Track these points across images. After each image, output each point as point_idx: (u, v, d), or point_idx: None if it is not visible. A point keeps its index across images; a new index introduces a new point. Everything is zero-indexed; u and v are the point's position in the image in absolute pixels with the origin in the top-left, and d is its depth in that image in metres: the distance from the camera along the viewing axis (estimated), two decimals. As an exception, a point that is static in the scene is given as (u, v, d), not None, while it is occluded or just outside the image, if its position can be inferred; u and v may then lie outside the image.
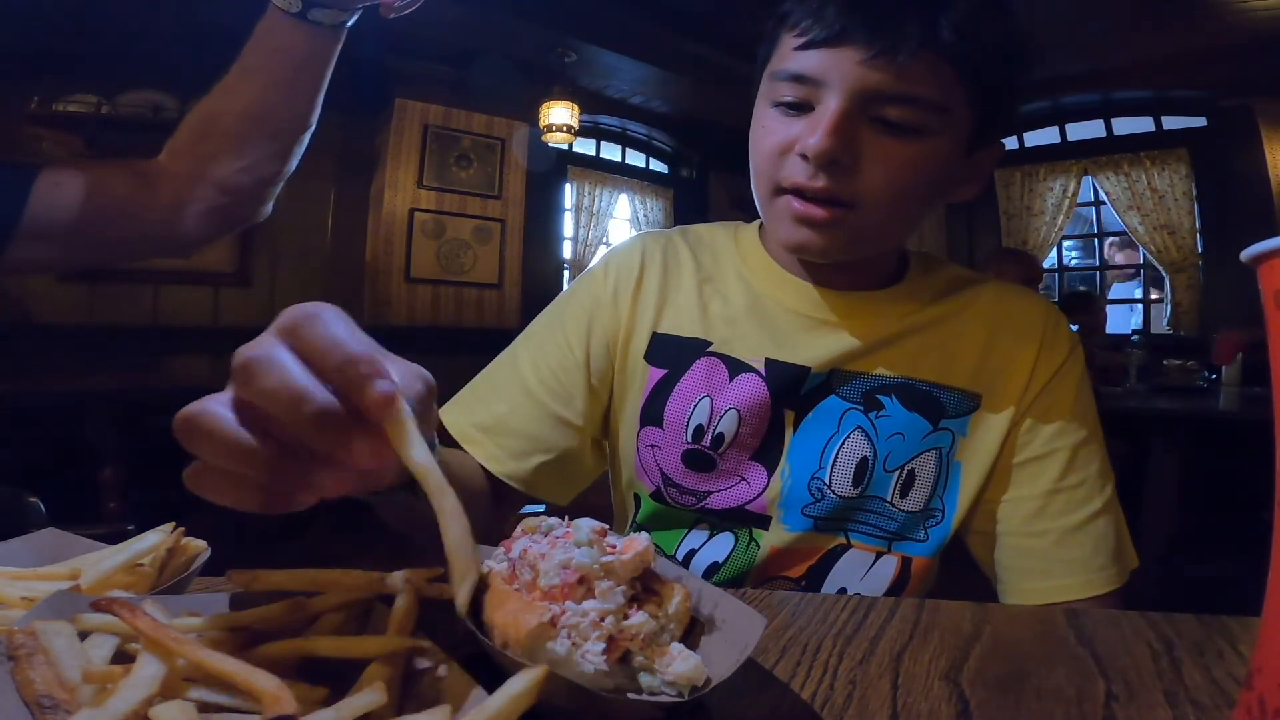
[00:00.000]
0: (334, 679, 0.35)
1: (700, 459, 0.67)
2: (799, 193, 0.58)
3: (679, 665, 0.36)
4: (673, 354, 0.69)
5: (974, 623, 0.51)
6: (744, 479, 0.67)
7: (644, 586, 0.41)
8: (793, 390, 0.66)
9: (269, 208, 0.80)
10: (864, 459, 0.65)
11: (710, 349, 0.68)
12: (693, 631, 0.42)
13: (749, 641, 0.36)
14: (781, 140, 0.58)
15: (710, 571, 0.69)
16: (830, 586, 0.68)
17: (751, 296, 0.69)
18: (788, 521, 0.66)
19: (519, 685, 0.29)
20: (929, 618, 0.52)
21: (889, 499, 0.66)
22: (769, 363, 0.66)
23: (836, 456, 0.66)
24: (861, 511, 0.66)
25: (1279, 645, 0.27)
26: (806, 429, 0.66)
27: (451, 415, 0.70)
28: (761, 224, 0.73)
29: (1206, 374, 3.23)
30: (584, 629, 0.37)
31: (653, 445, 0.69)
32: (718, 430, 0.66)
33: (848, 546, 0.67)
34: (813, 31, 0.55)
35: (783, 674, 0.42)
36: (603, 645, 0.37)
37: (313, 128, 0.78)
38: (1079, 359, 0.68)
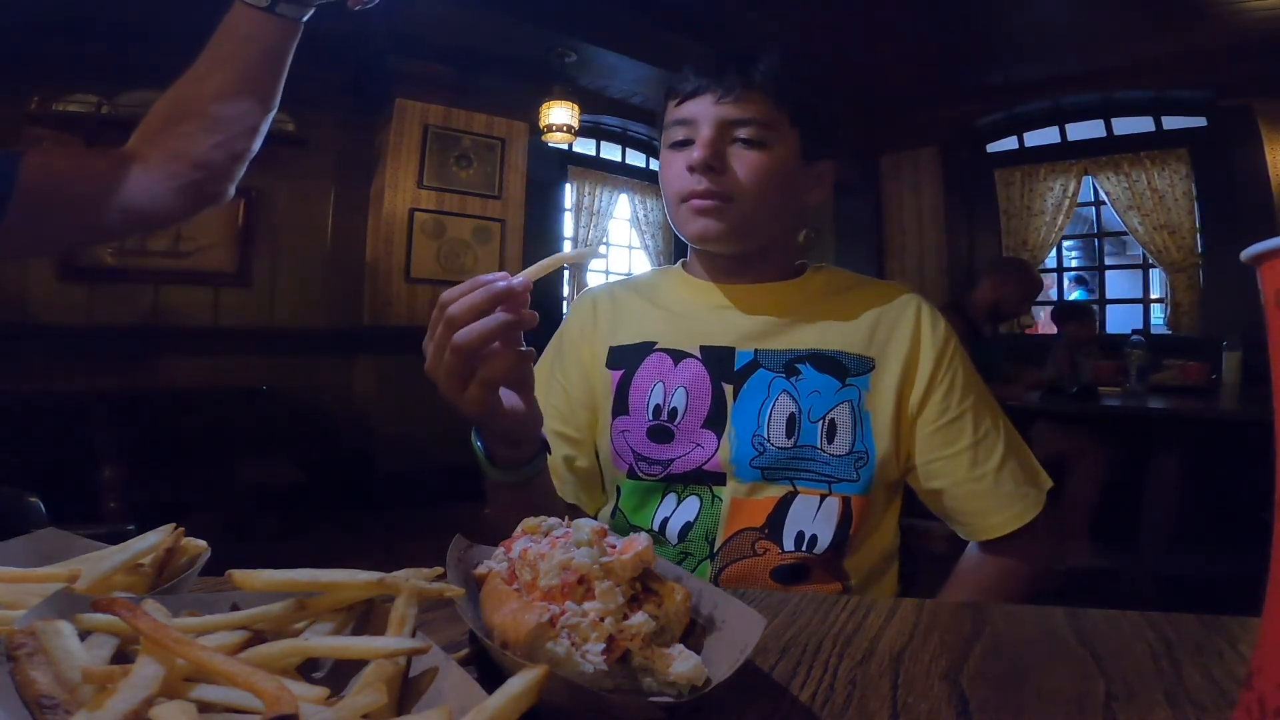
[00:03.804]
0: (334, 679, 0.35)
1: (661, 432, 0.84)
2: (694, 196, 0.81)
3: (679, 665, 0.36)
4: (627, 356, 0.88)
5: (974, 623, 0.51)
6: (699, 444, 0.82)
7: (644, 586, 0.41)
8: (726, 368, 0.84)
9: (234, 187, 0.87)
10: (791, 414, 0.81)
11: (656, 347, 0.87)
12: (693, 632, 0.42)
13: (749, 642, 0.36)
14: (678, 167, 0.83)
15: (684, 531, 0.82)
16: (790, 529, 0.80)
17: (682, 304, 0.90)
18: (740, 475, 0.81)
19: (519, 685, 0.29)
20: (929, 618, 0.52)
21: (819, 445, 0.80)
22: (703, 348, 0.85)
23: (770, 415, 0.81)
24: (800, 460, 0.80)
25: (1279, 645, 0.27)
26: (744, 399, 0.83)
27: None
28: (683, 262, 0.95)
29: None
30: (584, 629, 0.37)
31: (623, 431, 0.85)
32: (672, 405, 0.84)
33: (796, 493, 0.80)
34: (684, 91, 0.83)
35: (783, 674, 0.42)
36: (603, 645, 0.37)
37: (276, 109, 0.86)
38: (955, 338, 0.87)
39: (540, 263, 0.61)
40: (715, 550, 0.80)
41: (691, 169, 0.80)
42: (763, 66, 0.81)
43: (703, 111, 0.81)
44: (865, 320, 0.86)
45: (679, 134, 0.83)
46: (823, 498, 0.80)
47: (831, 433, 0.81)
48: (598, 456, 0.89)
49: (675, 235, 0.90)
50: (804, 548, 0.79)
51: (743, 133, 0.80)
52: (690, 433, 0.83)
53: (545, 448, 0.72)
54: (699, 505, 0.82)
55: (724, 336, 0.85)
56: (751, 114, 0.80)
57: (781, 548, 0.79)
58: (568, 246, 5.00)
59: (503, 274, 0.59)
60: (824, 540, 0.79)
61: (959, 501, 0.82)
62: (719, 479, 0.81)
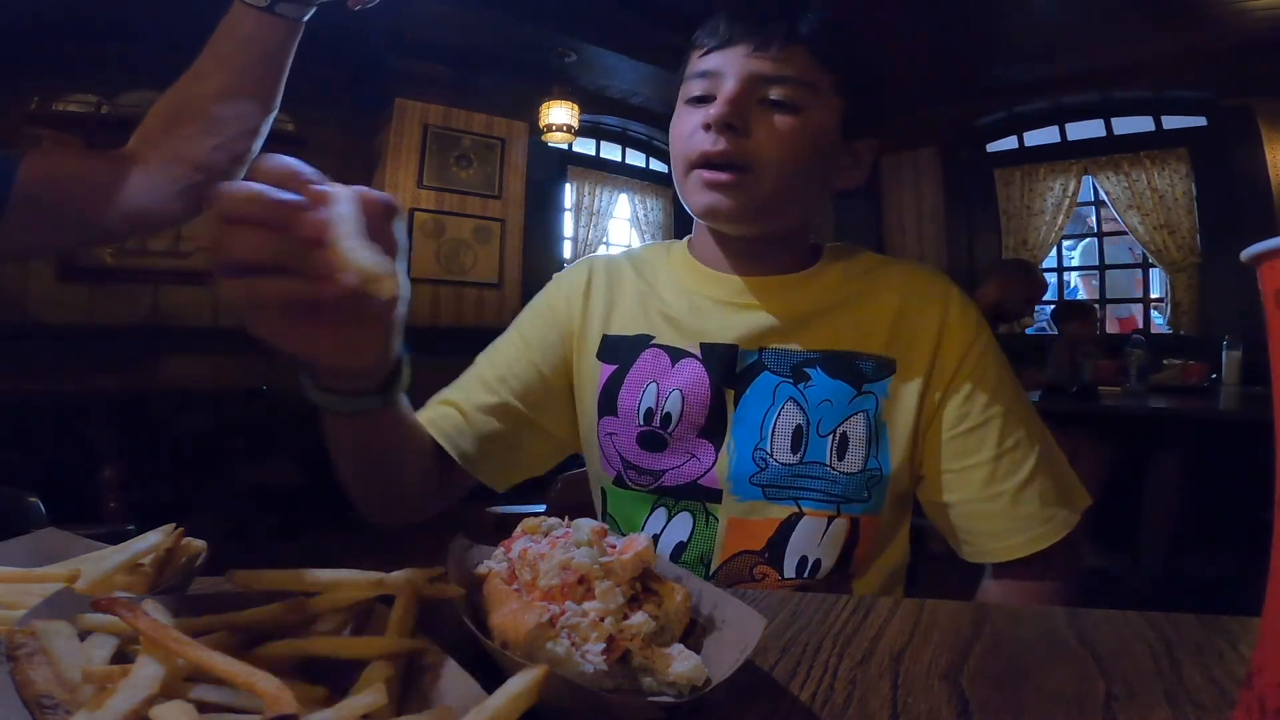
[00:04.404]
0: (334, 679, 0.35)
1: (653, 439, 0.75)
2: (706, 163, 0.69)
3: (679, 665, 0.36)
4: (620, 350, 0.78)
5: (974, 623, 0.51)
6: (694, 456, 0.74)
7: (644, 586, 0.41)
8: (728, 369, 0.74)
9: None
10: (798, 427, 0.72)
11: (653, 342, 0.77)
12: (693, 632, 0.42)
13: (749, 642, 0.36)
14: (692, 124, 0.71)
15: (677, 552, 0.74)
16: (791, 555, 0.72)
17: (684, 295, 0.79)
18: (738, 492, 0.72)
19: (519, 685, 0.29)
20: (929, 618, 0.52)
21: (827, 462, 0.72)
22: (703, 346, 0.75)
23: (774, 427, 0.72)
24: (806, 478, 0.72)
25: (1279, 645, 0.27)
26: (746, 405, 0.74)
27: (445, 431, 0.77)
28: (689, 239, 0.84)
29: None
30: (584, 629, 0.37)
31: (611, 433, 0.77)
32: (665, 410, 0.75)
33: (801, 514, 0.72)
34: (711, 41, 0.71)
35: (783, 674, 0.42)
36: (603, 645, 0.37)
37: (277, 109, 0.85)
38: (987, 333, 0.75)
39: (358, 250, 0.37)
40: (711, 574, 0.74)
41: (708, 126, 0.68)
42: (811, 18, 0.69)
43: (731, 63, 0.69)
44: (886, 313, 0.74)
45: (698, 88, 0.71)
46: (830, 519, 0.72)
47: (843, 448, 0.71)
48: (556, 445, 0.82)
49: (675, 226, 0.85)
50: (806, 574, 0.72)
51: (776, 92, 0.68)
52: (685, 442, 0.74)
53: (386, 398, 0.55)
54: (692, 524, 0.74)
55: (727, 333, 0.75)
56: (790, 71, 0.68)
57: (781, 574, 0.72)
58: (568, 247, 5.00)
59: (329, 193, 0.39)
60: (828, 565, 0.72)
61: (965, 520, 0.73)
62: (714, 495, 0.73)
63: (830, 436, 0.72)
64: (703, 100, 0.71)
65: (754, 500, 0.72)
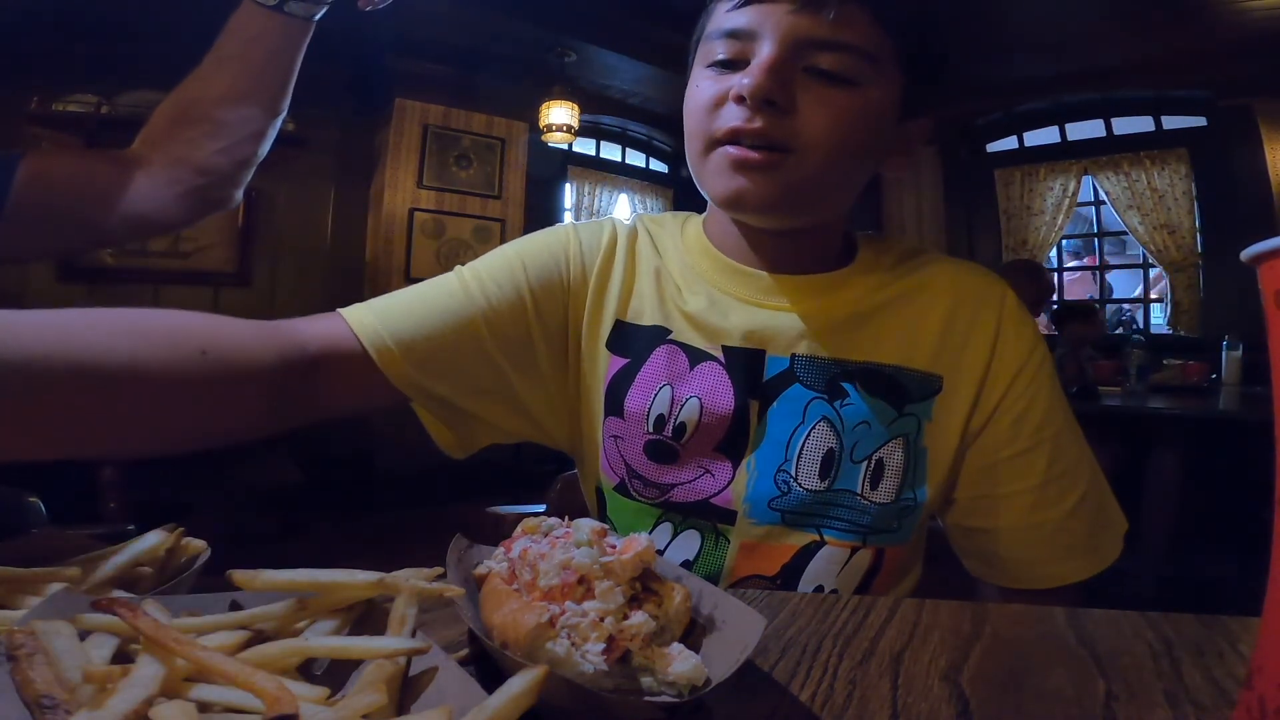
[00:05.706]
0: (334, 679, 0.35)
1: (662, 450, 0.66)
2: (735, 140, 0.57)
3: (679, 665, 0.36)
4: (634, 343, 0.68)
5: (974, 623, 0.51)
6: (708, 471, 0.65)
7: (644, 586, 0.41)
8: (754, 378, 0.65)
9: (240, 193, 0.84)
10: (830, 450, 0.64)
11: (670, 336, 0.67)
12: (693, 631, 0.42)
13: (749, 642, 0.36)
14: (716, 93, 0.58)
15: None
16: (806, 585, 0.65)
17: (701, 287, 0.68)
18: (755, 516, 0.65)
19: (519, 685, 0.29)
20: (929, 618, 0.52)
21: (859, 491, 0.64)
22: (726, 350, 0.66)
23: (802, 449, 0.64)
24: (833, 506, 0.64)
25: (1279, 645, 0.27)
26: (771, 420, 0.65)
27: (361, 317, 0.63)
28: (704, 218, 0.73)
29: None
30: (584, 629, 0.37)
31: (616, 436, 0.68)
32: (679, 419, 0.65)
33: (822, 543, 0.65)
34: None
35: (783, 674, 0.42)
36: (602, 645, 0.37)
37: (284, 113, 0.82)
38: (1043, 346, 0.67)
39: None
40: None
41: (740, 99, 0.56)
42: None
43: (770, 21, 0.56)
44: (934, 321, 0.66)
45: (722, 49, 0.58)
46: (854, 550, 0.65)
47: (877, 476, 0.64)
48: (524, 416, 0.70)
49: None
50: None
51: (826, 61, 0.56)
52: (699, 456, 0.66)
53: None
54: (700, 543, 0.66)
55: (753, 336, 0.65)
56: (850, 38, 0.56)
57: None
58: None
59: None
60: (845, 595, 0.65)
61: (1003, 547, 0.66)
62: (727, 516, 0.65)
63: (865, 463, 0.64)
64: (729, 65, 0.58)
65: (771, 525, 0.65)
